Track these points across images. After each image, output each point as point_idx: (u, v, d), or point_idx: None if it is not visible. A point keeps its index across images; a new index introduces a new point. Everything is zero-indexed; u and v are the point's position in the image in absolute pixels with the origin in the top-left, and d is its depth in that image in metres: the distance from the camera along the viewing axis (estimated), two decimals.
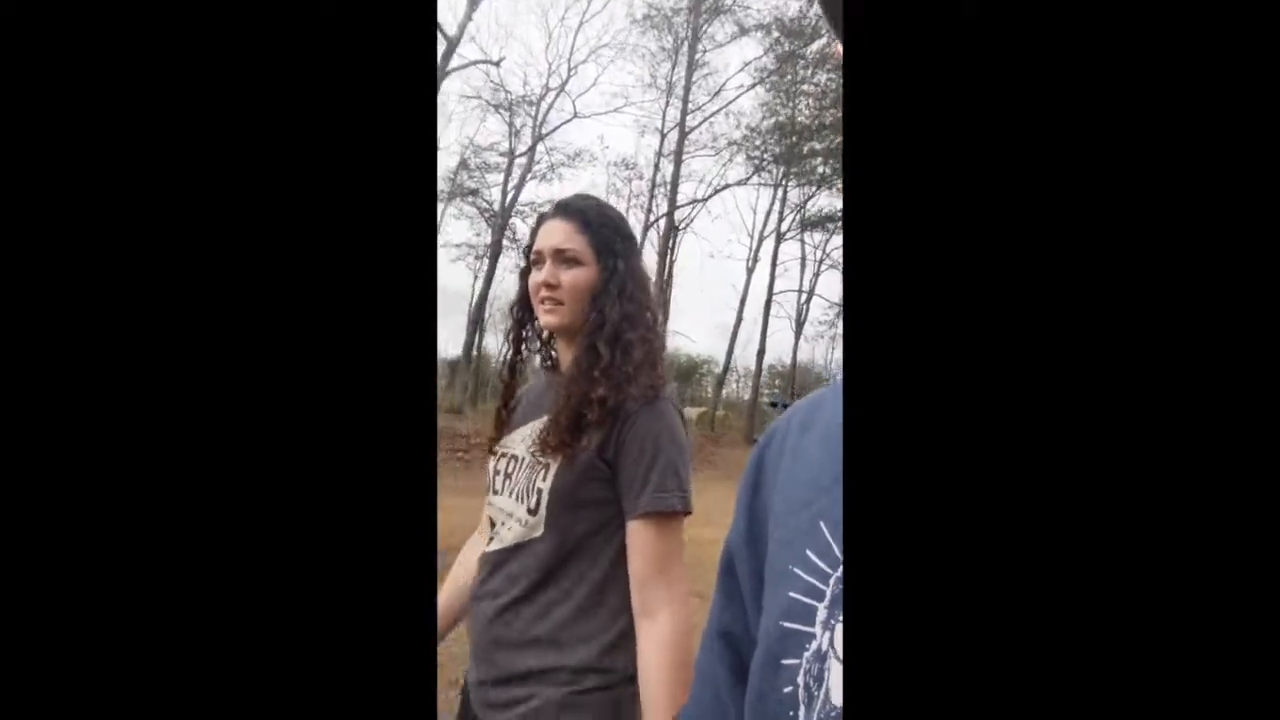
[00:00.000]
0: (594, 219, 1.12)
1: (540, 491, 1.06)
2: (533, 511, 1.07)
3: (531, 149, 17.61)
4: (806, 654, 0.40)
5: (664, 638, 0.97)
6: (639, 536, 1.01)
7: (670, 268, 17.68)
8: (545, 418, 1.09)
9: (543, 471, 1.07)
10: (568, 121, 18.64)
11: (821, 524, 0.43)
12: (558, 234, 1.11)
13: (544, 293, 1.10)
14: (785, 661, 0.41)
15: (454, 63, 14.93)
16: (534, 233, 1.16)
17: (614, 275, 1.11)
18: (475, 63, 16.65)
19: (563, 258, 1.10)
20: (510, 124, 17.78)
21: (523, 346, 1.22)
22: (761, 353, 19.93)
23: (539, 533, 1.06)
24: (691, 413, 18.53)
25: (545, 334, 1.20)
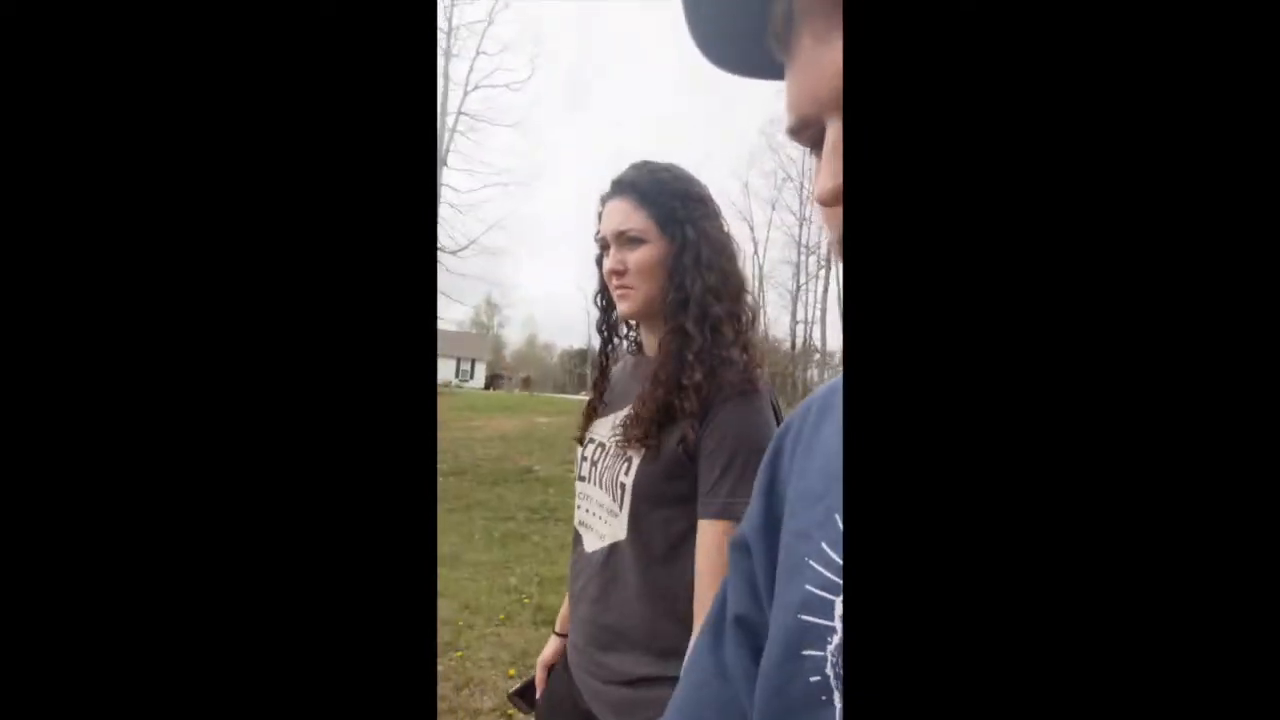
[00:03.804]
0: (649, 190, 1.03)
1: (623, 487, 0.99)
2: (618, 507, 1.00)
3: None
4: (830, 647, 0.40)
5: None
6: (704, 537, 0.92)
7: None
8: (629, 407, 1.02)
9: (625, 465, 1.00)
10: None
11: (836, 516, 0.42)
12: (616, 215, 1.04)
13: (614, 281, 1.04)
14: (806, 652, 0.41)
15: None
16: (599, 218, 1.09)
17: (685, 245, 1.01)
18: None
19: (625, 239, 1.03)
20: None
21: (611, 335, 1.17)
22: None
23: (622, 535, 0.99)
24: None
25: (628, 321, 1.14)
